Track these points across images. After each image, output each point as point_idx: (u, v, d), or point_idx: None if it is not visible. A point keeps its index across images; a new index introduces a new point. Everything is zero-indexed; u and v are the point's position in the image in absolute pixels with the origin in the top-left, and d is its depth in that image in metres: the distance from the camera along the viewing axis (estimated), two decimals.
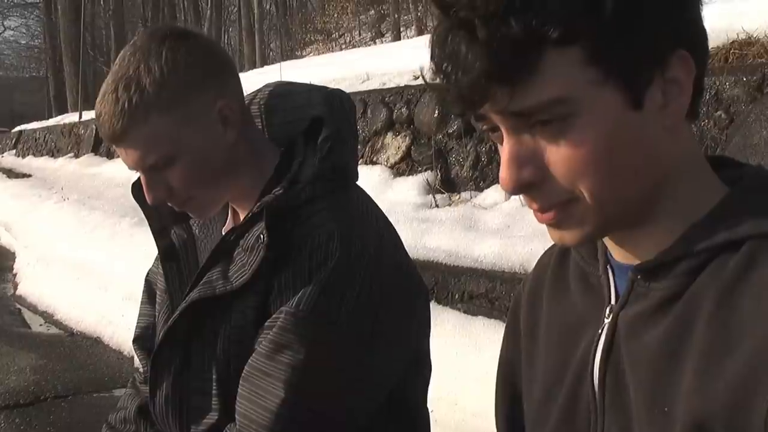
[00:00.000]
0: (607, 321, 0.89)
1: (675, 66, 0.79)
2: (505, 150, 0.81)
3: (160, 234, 1.52)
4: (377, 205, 1.45)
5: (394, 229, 1.44)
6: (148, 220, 1.52)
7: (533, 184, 0.81)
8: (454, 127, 5.56)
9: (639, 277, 0.86)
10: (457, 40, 0.77)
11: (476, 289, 3.91)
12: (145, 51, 1.29)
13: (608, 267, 0.92)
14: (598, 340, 0.89)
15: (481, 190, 5.23)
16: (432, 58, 0.81)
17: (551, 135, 0.79)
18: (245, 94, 1.47)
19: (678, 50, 0.79)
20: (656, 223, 0.85)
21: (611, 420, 0.87)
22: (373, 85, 7.28)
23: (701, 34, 0.83)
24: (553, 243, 1.03)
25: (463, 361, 3.45)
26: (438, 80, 0.81)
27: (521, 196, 0.85)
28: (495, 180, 5.14)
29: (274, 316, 1.30)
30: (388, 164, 6.12)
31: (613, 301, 0.90)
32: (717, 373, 0.75)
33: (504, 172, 0.81)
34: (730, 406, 0.73)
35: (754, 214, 0.79)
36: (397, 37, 18.94)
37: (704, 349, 0.77)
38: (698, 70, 0.81)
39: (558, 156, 0.79)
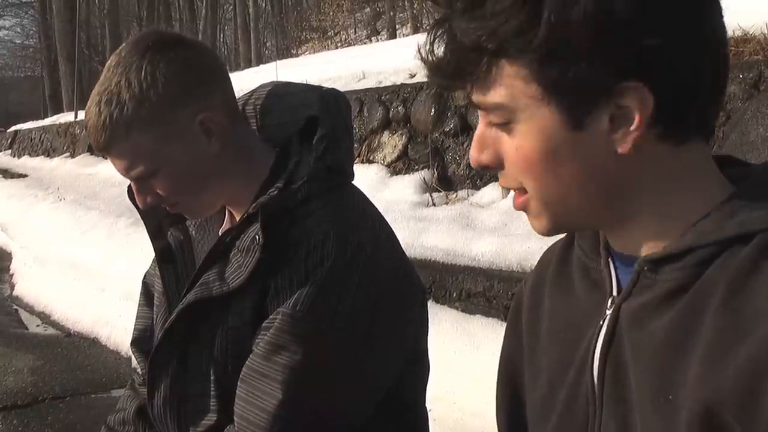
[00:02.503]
0: (608, 312, 0.90)
1: (624, 95, 0.79)
2: (477, 130, 0.90)
3: (156, 235, 1.52)
4: (373, 205, 1.45)
5: (391, 229, 1.44)
6: (144, 222, 1.52)
7: (492, 168, 0.89)
8: (451, 126, 5.56)
9: (646, 268, 0.86)
10: (435, 34, 0.86)
11: (474, 288, 3.91)
12: (127, 64, 1.29)
13: (610, 260, 0.93)
14: (599, 331, 0.90)
15: (478, 188, 5.23)
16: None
17: (502, 132, 0.86)
18: (242, 93, 1.47)
19: (629, 82, 0.79)
20: (640, 227, 0.86)
21: (609, 412, 0.88)
22: (369, 83, 7.27)
23: (672, 62, 0.79)
24: (556, 241, 1.05)
25: (461, 360, 3.45)
26: (426, 62, 0.88)
27: None
28: (492, 178, 5.14)
29: (271, 317, 1.30)
30: (385, 163, 6.12)
31: (615, 293, 0.91)
32: (727, 360, 0.75)
33: (471, 148, 0.91)
34: (740, 391, 0.74)
35: (764, 208, 0.80)
36: (392, 35, 18.95)
37: (713, 338, 0.77)
38: (669, 97, 0.80)
39: (506, 152, 0.87)
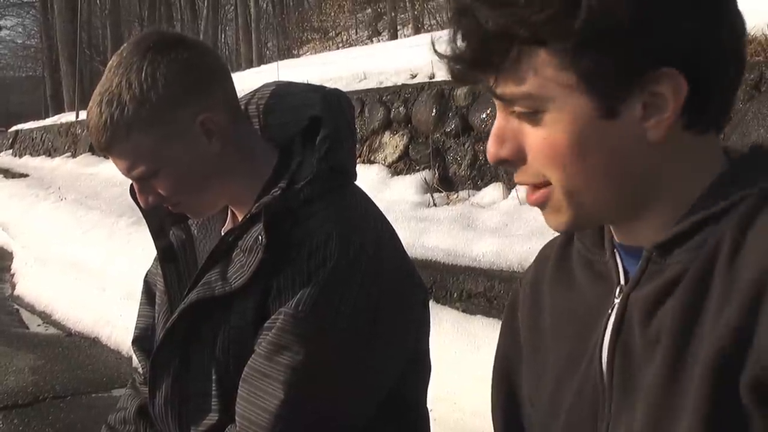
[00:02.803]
0: (617, 302, 0.90)
1: (660, 82, 0.80)
2: (495, 124, 0.87)
3: (158, 235, 1.52)
4: (375, 205, 1.45)
5: (393, 229, 1.44)
6: (146, 221, 1.52)
7: (511, 162, 0.87)
8: (452, 126, 5.55)
9: (654, 254, 0.86)
10: (457, 24, 0.83)
11: (474, 288, 3.91)
12: (128, 65, 1.30)
13: (615, 251, 0.93)
14: (607, 322, 0.90)
15: (479, 188, 5.23)
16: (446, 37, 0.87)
17: (528, 123, 0.84)
18: (244, 93, 1.47)
19: (663, 68, 0.79)
20: (655, 216, 0.87)
21: (619, 401, 0.87)
22: (370, 84, 7.27)
23: (701, 51, 0.81)
24: (553, 237, 1.05)
25: (462, 360, 3.45)
26: (446, 54, 0.86)
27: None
28: (493, 179, 5.14)
29: (273, 317, 1.30)
30: (386, 163, 6.12)
31: (622, 283, 0.91)
32: (727, 310, 0.76)
33: (488, 143, 0.88)
34: (737, 334, 0.75)
35: (752, 175, 0.82)
36: (393, 36, 18.94)
37: (720, 298, 0.78)
38: (697, 86, 0.81)
39: (531, 143, 0.85)
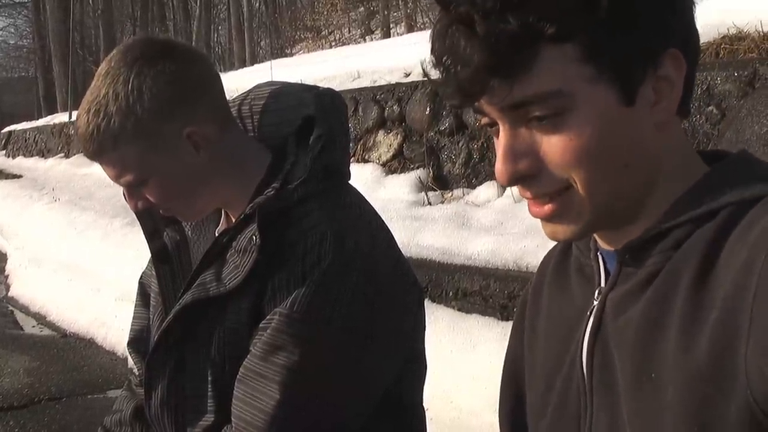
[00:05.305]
0: (595, 303, 0.91)
1: (667, 64, 0.82)
2: (501, 143, 0.84)
3: (152, 236, 1.52)
4: (370, 204, 1.45)
5: (387, 228, 1.44)
6: (140, 222, 1.52)
7: (528, 176, 0.84)
8: (446, 125, 5.55)
9: (627, 256, 0.87)
10: (457, 35, 0.80)
11: (470, 287, 3.91)
12: (115, 75, 1.29)
13: (598, 253, 0.94)
14: (587, 322, 0.91)
15: (473, 187, 5.23)
16: (432, 51, 0.84)
17: (547, 129, 0.81)
18: (237, 92, 1.46)
19: (670, 49, 0.81)
20: (644, 217, 0.87)
21: (600, 401, 0.88)
22: (364, 83, 7.26)
23: (693, 32, 0.85)
24: (556, 244, 1.05)
25: (458, 359, 3.45)
26: (438, 73, 0.84)
27: (517, 187, 0.87)
28: (487, 177, 5.14)
29: (268, 317, 1.29)
30: (380, 162, 6.12)
31: (602, 284, 0.92)
32: (698, 329, 0.76)
33: (500, 164, 0.84)
34: (715, 356, 0.74)
35: (732, 185, 0.82)
36: (386, 35, 18.92)
37: (685, 311, 0.78)
38: (689, 68, 0.83)
39: (552, 148, 0.82)
